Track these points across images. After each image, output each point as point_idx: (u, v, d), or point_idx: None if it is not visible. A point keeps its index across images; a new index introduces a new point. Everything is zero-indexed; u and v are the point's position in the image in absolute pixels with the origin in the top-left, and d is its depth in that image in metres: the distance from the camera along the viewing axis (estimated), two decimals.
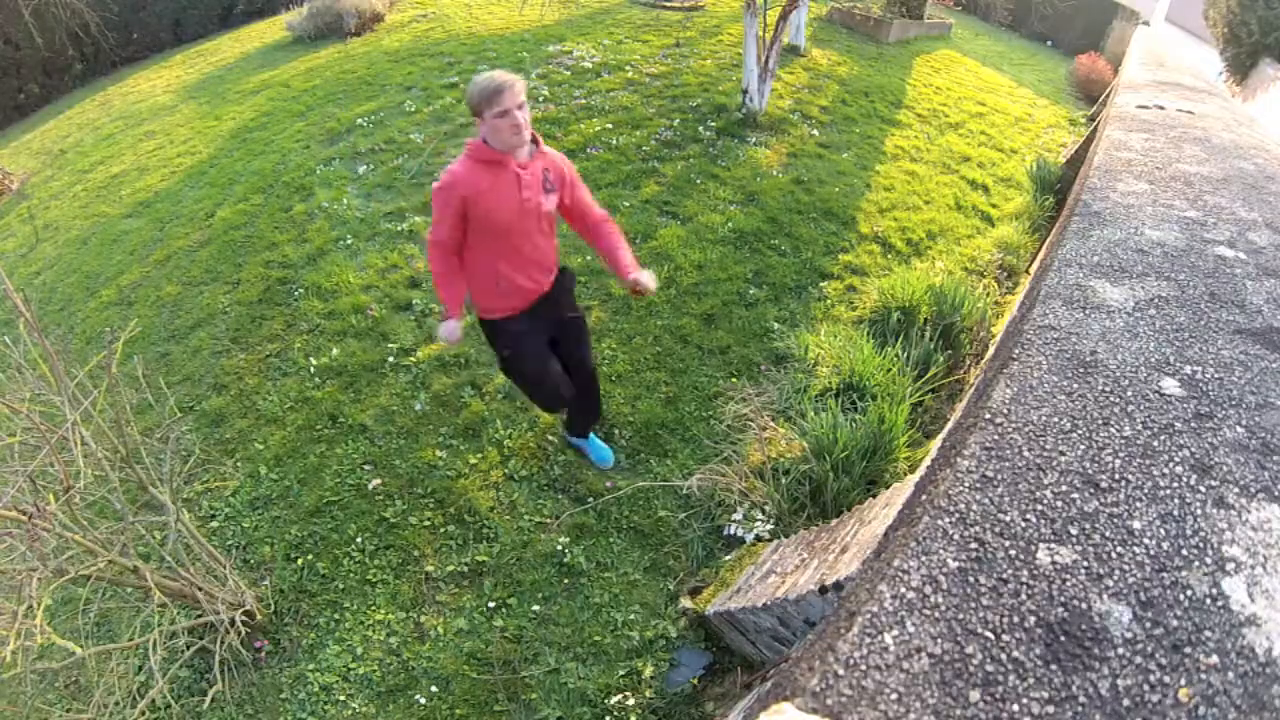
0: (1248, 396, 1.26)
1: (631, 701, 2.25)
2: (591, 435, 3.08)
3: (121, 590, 2.46)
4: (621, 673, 2.35)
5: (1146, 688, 0.79)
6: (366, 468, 3.08)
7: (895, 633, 0.86)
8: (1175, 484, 1.07)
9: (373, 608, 2.59)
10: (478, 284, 2.31)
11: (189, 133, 7.16)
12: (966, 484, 1.07)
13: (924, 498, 1.11)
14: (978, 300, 3.96)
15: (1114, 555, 0.95)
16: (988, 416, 1.20)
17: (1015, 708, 0.77)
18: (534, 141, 2.17)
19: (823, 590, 1.59)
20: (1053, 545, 0.97)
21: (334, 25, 9.25)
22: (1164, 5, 18.24)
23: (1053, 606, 0.88)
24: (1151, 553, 0.96)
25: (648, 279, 2.28)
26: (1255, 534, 0.98)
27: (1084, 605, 0.88)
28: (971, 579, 0.92)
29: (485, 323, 2.44)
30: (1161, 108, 3.40)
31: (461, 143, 5.62)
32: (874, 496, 2.20)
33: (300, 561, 2.75)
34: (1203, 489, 1.06)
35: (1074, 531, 0.99)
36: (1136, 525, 1.00)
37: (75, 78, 11.60)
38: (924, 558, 0.95)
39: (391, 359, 3.61)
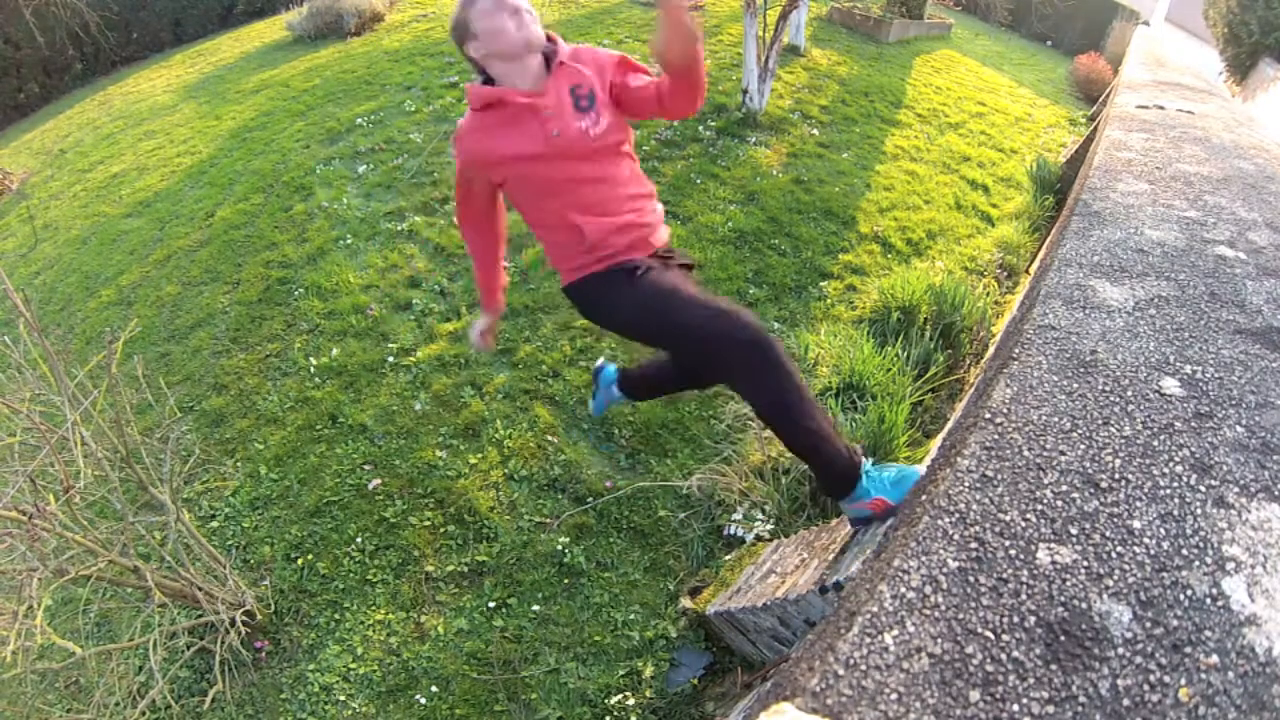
0: (1248, 396, 1.26)
1: (631, 701, 2.25)
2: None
3: (121, 590, 2.46)
4: (621, 673, 2.35)
5: (1146, 688, 0.79)
6: (366, 468, 3.08)
7: (895, 633, 0.86)
8: (1175, 484, 1.07)
9: (373, 608, 2.59)
10: (553, 248, 1.77)
11: (189, 132, 7.16)
12: (966, 483, 1.07)
13: (924, 497, 1.11)
14: (978, 300, 3.96)
15: (1114, 555, 0.95)
16: (988, 416, 1.20)
17: (1015, 708, 0.77)
18: (547, 55, 1.61)
19: (823, 590, 1.59)
20: (1053, 545, 0.97)
21: (334, 25, 9.24)
22: (1164, 5, 18.25)
23: (1053, 606, 0.88)
24: (1151, 552, 0.96)
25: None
26: (1255, 533, 0.98)
27: (1084, 605, 0.88)
28: (971, 579, 0.92)
29: (574, 288, 1.78)
30: (1161, 108, 3.40)
31: None
32: None
33: (300, 561, 2.75)
34: (1203, 489, 1.06)
35: (1074, 531, 0.99)
36: (1136, 525, 1.00)
37: (75, 77, 11.59)
38: (924, 557, 0.95)
39: (391, 359, 3.61)
